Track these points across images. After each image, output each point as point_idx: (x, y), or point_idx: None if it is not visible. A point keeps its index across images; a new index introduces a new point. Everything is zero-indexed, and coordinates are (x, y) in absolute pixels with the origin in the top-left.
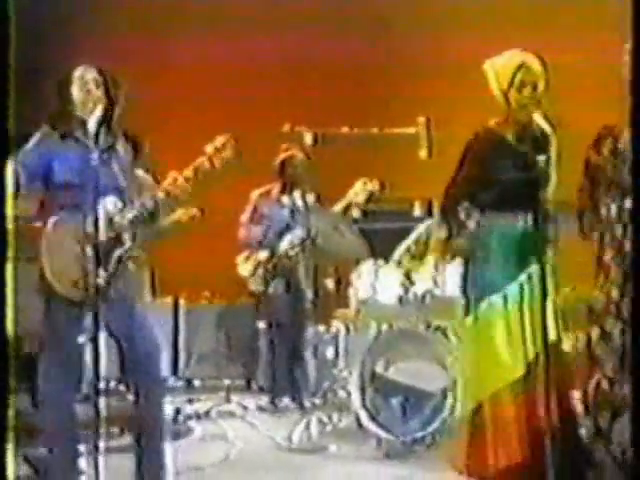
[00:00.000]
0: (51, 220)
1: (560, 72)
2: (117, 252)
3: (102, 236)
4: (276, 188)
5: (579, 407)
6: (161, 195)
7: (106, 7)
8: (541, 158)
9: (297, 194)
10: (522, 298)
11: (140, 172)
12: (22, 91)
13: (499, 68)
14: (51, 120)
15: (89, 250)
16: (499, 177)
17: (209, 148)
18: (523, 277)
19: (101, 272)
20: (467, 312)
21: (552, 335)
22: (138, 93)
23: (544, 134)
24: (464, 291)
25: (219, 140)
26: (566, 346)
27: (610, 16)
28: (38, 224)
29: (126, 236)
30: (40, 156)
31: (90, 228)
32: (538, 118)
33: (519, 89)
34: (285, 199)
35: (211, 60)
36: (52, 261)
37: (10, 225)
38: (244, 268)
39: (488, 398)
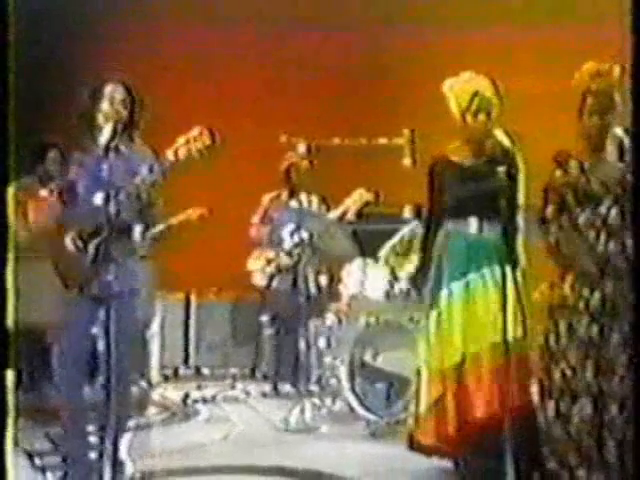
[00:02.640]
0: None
1: (516, 95)
2: (94, 242)
3: (88, 229)
4: (285, 193)
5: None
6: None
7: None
8: (501, 169)
9: (303, 197)
10: (477, 292)
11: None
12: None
13: (456, 92)
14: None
15: (80, 243)
16: (457, 194)
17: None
18: (475, 275)
19: (89, 264)
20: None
21: (510, 329)
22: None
23: (503, 148)
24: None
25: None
26: (528, 338)
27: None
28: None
29: (104, 228)
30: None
31: (78, 223)
32: (498, 134)
33: (474, 115)
34: (293, 203)
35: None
36: (59, 259)
37: (11, 226)
38: (254, 264)
39: (449, 373)
